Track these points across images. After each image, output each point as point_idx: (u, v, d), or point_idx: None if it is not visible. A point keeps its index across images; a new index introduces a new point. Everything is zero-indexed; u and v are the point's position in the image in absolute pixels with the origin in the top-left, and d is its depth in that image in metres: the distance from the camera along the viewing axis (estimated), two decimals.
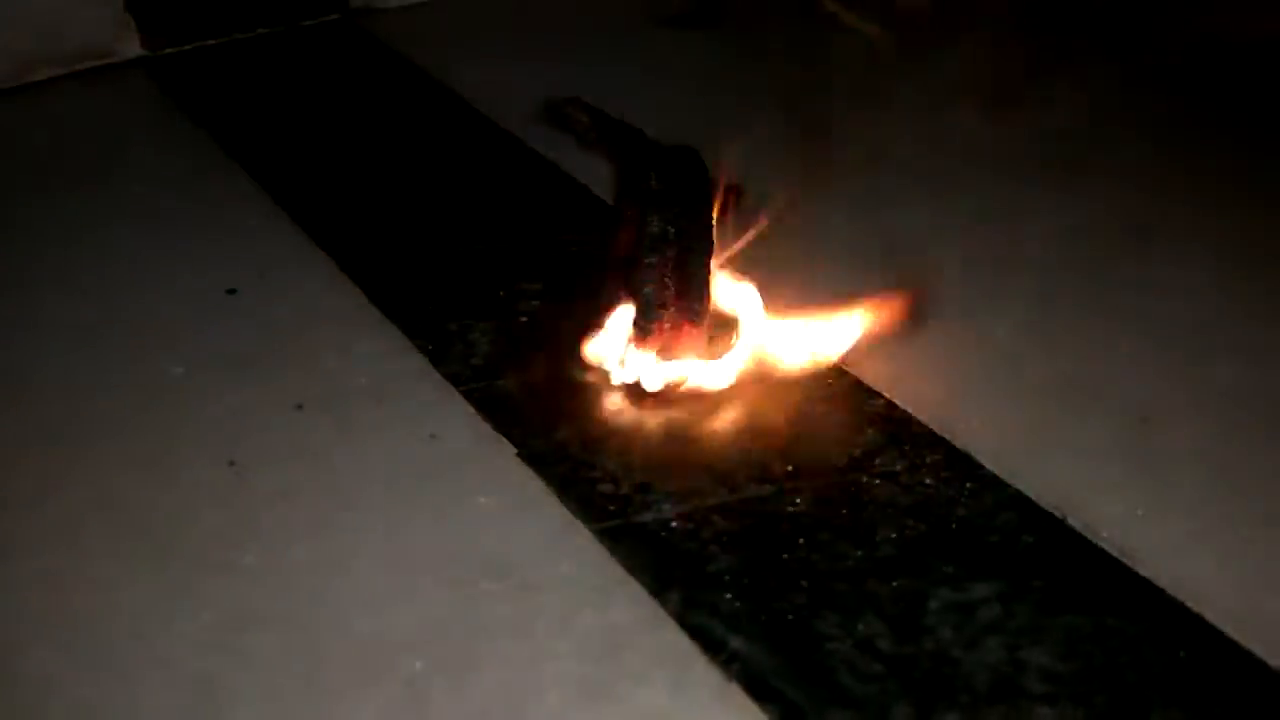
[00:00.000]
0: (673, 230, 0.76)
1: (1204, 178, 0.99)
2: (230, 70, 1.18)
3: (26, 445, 0.71)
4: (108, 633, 0.60)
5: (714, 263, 0.78)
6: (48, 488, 0.68)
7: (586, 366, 0.77)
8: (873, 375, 0.77)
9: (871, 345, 0.79)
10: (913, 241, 0.91)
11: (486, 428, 0.73)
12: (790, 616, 0.61)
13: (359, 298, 0.84)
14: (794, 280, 0.82)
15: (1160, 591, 0.63)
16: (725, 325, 0.79)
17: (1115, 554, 0.65)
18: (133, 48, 1.16)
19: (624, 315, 0.77)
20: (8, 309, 0.83)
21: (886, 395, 0.76)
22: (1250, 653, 0.60)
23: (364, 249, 0.89)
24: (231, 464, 0.70)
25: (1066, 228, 0.93)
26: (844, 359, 0.78)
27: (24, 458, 0.70)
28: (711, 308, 0.77)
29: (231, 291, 0.84)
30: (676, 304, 0.75)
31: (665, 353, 0.75)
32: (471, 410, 0.74)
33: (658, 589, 0.62)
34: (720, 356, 0.77)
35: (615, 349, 0.77)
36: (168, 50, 1.18)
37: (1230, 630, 0.61)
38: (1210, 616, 0.61)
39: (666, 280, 0.75)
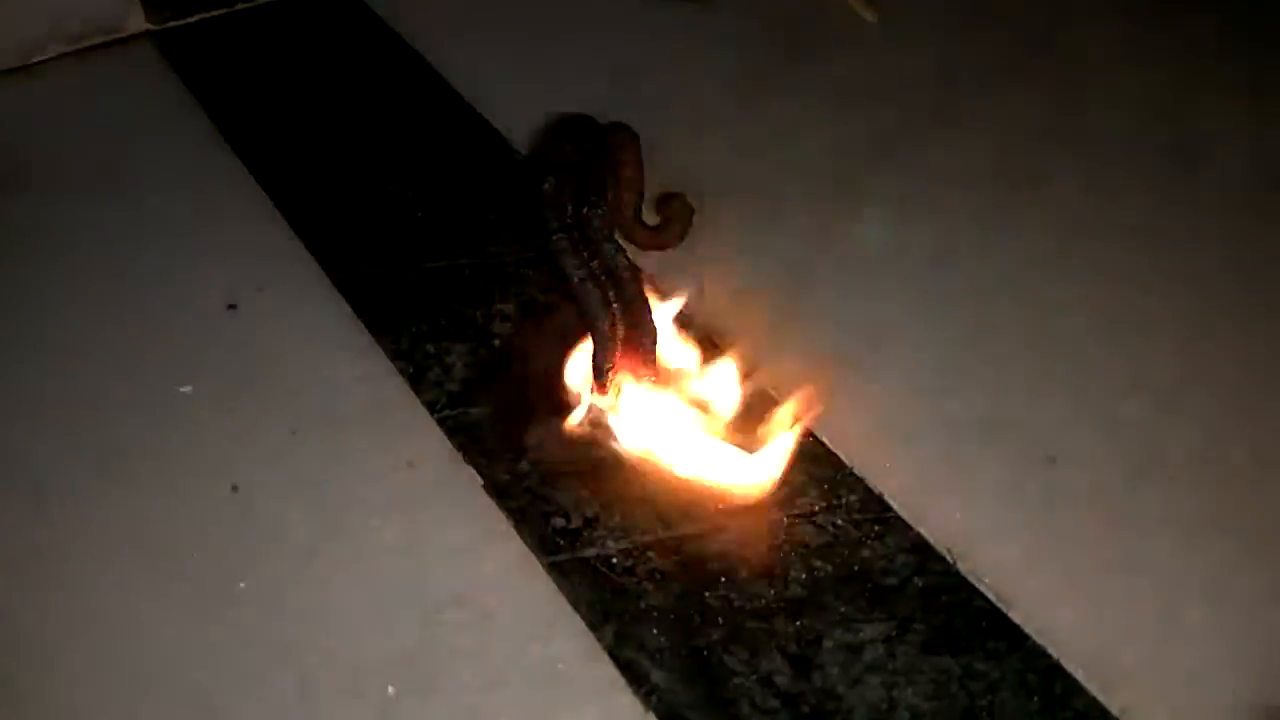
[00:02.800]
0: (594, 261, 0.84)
1: (1140, 217, 1.05)
2: (232, 44, 1.22)
3: (61, 465, 0.81)
4: (127, 645, 0.71)
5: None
6: (82, 506, 0.78)
7: (550, 395, 0.86)
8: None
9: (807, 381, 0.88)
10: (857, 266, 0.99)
11: (458, 457, 0.82)
12: (705, 652, 0.72)
13: (348, 314, 0.92)
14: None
15: (1027, 637, 0.73)
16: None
17: (993, 599, 0.75)
18: (138, 22, 1.21)
19: (585, 348, 0.86)
20: (24, 320, 0.91)
21: (817, 434, 0.85)
22: (1095, 699, 0.70)
23: (352, 260, 0.97)
24: (235, 489, 0.80)
25: (997, 262, 1.00)
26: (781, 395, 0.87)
27: (58, 477, 0.80)
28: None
29: (232, 307, 0.93)
30: (626, 342, 0.84)
31: (621, 383, 0.84)
32: (444, 439, 0.83)
33: (596, 623, 0.73)
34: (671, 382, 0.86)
35: (577, 381, 0.86)
36: (172, 23, 1.22)
37: (1082, 677, 0.71)
38: (1067, 663, 0.72)
39: (615, 320, 0.84)
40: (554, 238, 0.86)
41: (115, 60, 1.19)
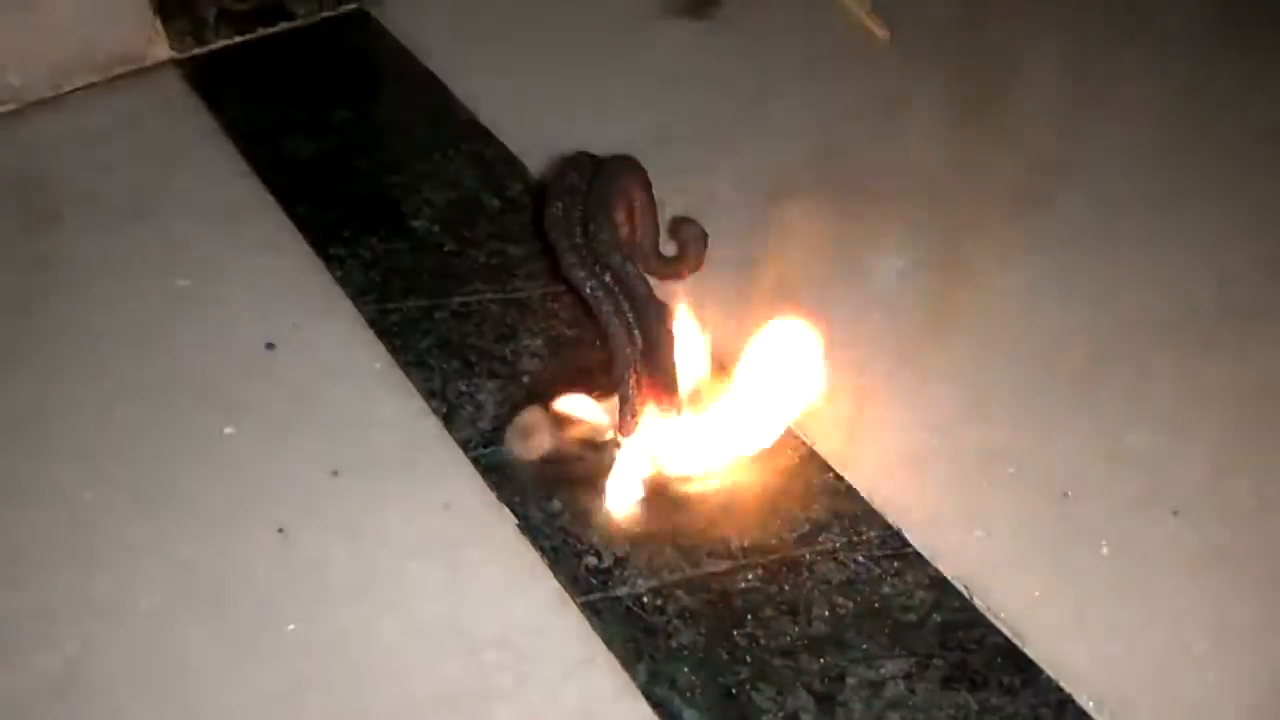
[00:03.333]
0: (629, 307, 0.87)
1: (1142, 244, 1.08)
2: (255, 70, 1.24)
3: (113, 511, 0.84)
4: (190, 690, 0.75)
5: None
6: (137, 554, 0.82)
7: (580, 432, 0.89)
8: (826, 446, 0.89)
9: (826, 414, 0.91)
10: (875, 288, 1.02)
11: (491, 497, 0.86)
12: (734, 690, 0.75)
13: (381, 352, 0.96)
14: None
15: (1040, 672, 0.77)
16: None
17: (1009, 634, 0.79)
18: (162, 49, 1.23)
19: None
20: (67, 360, 0.94)
21: (836, 468, 0.88)
22: None
23: (382, 295, 1.00)
24: (280, 530, 0.83)
25: (1008, 288, 1.03)
26: (803, 425, 0.90)
27: (114, 525, 0.83)
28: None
29: (270, 346, 0.96)
30: (649, 384, 0.86)
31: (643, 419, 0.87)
32: (479, 479, 0.87)
33: (629, 661, 0.77)
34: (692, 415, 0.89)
35: (605, 416, 0.89)
36: (195, 51, 1.24)
37: (1091, 709, 0.75)
38: (1078, 696, 0.76)
39: (631, 328, 0.86)
40: (565, 256, 0.88)
41: (142, 89, 1.22)
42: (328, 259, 1.03)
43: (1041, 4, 1.38)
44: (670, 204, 0.99)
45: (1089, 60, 1.27)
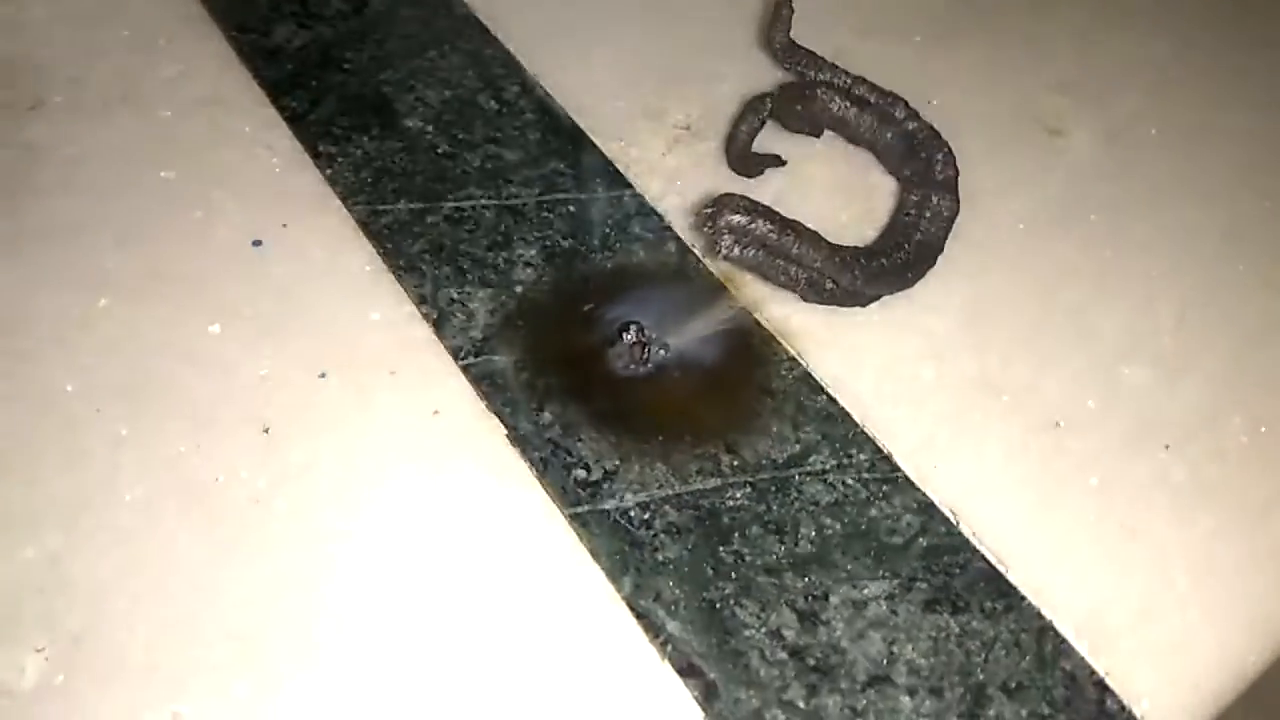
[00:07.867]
0: None
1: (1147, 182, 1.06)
2: None
3: (95, 404, 0.83)
4: (171, 584, 0.75)
5: None
6: (120, 446, 0.81)
7: (573, 342, 0.88)
8: (822, 369, 0.88)
9: (824, 336, 0.90)
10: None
11: (481, 406, 0.85)
12: (717, 605, 0.76)
13: (370, 253, 0.93)
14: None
15: (1023, 599, 0.77)
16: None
17: (993, 560, 0.79)
18: None
19: None
20: (51, 251, 0.92)
21: (830, 391, 0.87)
22: (1083, 659, 0.75)
23: (373, 196, 0.97)
24: (266, 430, 0.82)
25: (1007, 226, 1.01)
26: (798, 347, 0.89)
27: (97, 418, 0.82)
28: None
29: (257, 243, 0.93)
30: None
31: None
32: (469, 387, 0.85)
33: (615, 573, 0.77)
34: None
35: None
36: None
37: (1072, 638, 0.76)
38: (1058, 624, 0.76)
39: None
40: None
41: None
42: (317, 156, 1.00)
43: None
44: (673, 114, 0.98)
45: None
